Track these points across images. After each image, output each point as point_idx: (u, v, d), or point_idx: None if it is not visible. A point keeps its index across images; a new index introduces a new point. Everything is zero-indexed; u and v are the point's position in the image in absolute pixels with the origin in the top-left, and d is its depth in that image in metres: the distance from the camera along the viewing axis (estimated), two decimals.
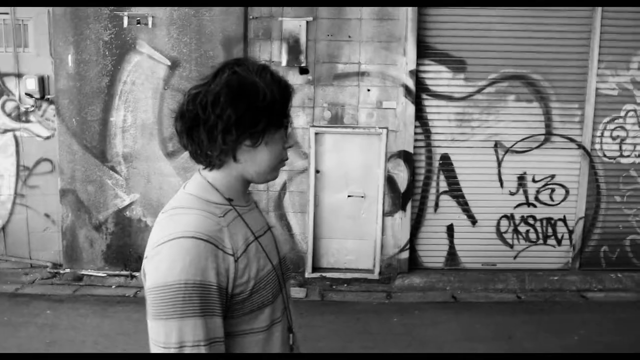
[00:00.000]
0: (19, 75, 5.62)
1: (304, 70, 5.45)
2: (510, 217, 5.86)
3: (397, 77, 5.48)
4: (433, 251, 5.88)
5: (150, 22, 5.40)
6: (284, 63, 5.37)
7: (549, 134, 5.73)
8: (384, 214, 5.67)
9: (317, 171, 5.64)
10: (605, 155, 5.78)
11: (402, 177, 5.63)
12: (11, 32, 5.58)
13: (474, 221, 5.84)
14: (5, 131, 5.75)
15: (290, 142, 1.24)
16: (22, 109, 5.70)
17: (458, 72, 5.61)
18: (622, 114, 5.72)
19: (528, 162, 5.76)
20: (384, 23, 5.42)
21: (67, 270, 5.76)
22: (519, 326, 4.64)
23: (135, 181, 5.65)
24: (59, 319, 4.65)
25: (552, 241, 5.91)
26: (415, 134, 5.62)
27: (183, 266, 1.02)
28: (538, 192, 5.82)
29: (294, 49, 5.37)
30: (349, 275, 5.73)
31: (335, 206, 5.73)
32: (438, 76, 5.61)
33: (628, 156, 5.79)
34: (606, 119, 5.72)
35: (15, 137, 5.76)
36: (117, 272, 5.73)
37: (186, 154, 1.18)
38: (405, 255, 5.74)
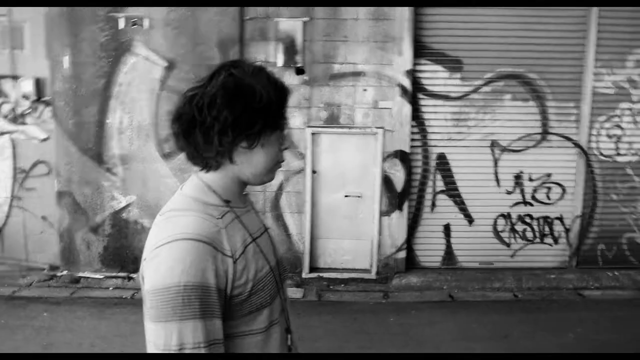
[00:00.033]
0: (15, 77, 5.62)
1: (300, 71, 5.44)
2: (507, 216, 5.87)
3: (393, 77, 5.48)
4: (430, 250, 5.89)
5: (146, 24, 5.40)
6: (280, 63, 5.37)
7: (545, 132, 5.74)
8: (381, 214, 5.67)
9: (313, 171, 5.64)
10: (601, 154, 5.79)
11: (398, 177, 5.63)
12: (7, 34, 5.57)
13: (470, 220, 5.85)
14: (2, 133, 5.74)
15: (286, 143, 1.24)
16: (19, 111, 5.69)
17: (454, 72, 5.62)
18: (618, 112, 5.73)
19: (524, 161, 5.77)
20: (379, 23, 5.42)
21: (65, 272, 5.75)
22: (515, 325, 4.65)
23: (131, 183, 5.64)
24: (56, 321, 4.64)
25: (549, 240, 5.92)
26: (412, 133, 5.63)
27: (182, 268, 1.02)
28: (535, 191, 5.83)
29: (290, 50, 5.37)
30: (346, 275, 5.74)
31: (332, 206, 5.73)
32: (434, 76, 5.62)
33: (624, 154, 5.80)
34: (602, 118, 5.73)
35: (12, 140, 5.75)
36: (114, 274, 5.73)
37: (182, 155, 1.18)
38: (402, 254, 5.74)
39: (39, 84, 5.59)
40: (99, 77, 5.49)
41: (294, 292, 5.37)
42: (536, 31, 5.56)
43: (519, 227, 5.89)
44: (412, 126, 5.62)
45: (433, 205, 5.82)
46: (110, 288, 5.55)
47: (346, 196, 5.70)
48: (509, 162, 5.76)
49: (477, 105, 5.67)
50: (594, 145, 5.77)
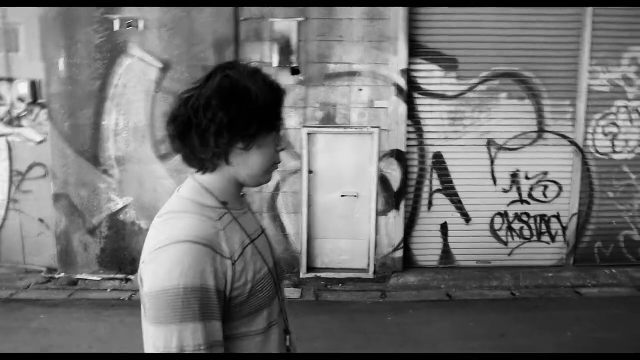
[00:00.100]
0: (10, 80, 5.62)
1: (295, 71, 5.45)
2: (504, 215, 5.87)
3: (389, 77, 5.48)
4: (427, 250, 5.89)
5: (141, 25, 5.40)
6: (275, 64, 5.37)
7: (541, 131, 5.74)
8: (378, 214, 5.67)
9: (310, 171, 5.65)
10: (597, 152, 5.79)
11: (395, 177, 5.64)
12: (2, 37, 5.57)
13: (467, 219, 5.85)
14: None
15: (282, 144, 1.24)
16: (14, 113, 5.69)
17: (450, 71, 5.62)
18: (614, 110, 5.74)
19: (521, 160, 5.77)
20: (375, 23, 5.42)
21: (62, 274, 5.75)
22: (513, 324, 4.65)
23: (128, 184, 5.64)
24: (53, 323, 4.64)
25: (546, 238, 5.93)
26: (408, 133, 5.63)
27: (182, 271, 1.02)
28: (531, 189, 5.83)
29: (285, 50, 5.37)
30: (343, 275, 5.74)
31: (329, 206, 5.73)
32: (430, 75, 5.62)
33: (620, 152, 5.81)
34: (598, 116, 5.74)
35: (8, 142, 5.75)
36: (112, 276, 5.73)
37: (179, 156, 1.18)
38: (399, 254, 5.74)
39: (34, 86, 5.59)
40: (95, 79, 5.49)
41: (291, 293, 5.37)
42: (531, 29, 5.56)
43: (516, 225, 5.89)
44: (408, 125, 5.62)
45: (430, 204, 5.83)
46: (108, 290, 5.55)
47: (343, 196, 5.70)
48: (505, 161, 5.76)
49: (473, 104, 5.67)
50: (590, 143, 5.77)
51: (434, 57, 5.59)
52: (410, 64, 5.51)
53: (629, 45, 5.63)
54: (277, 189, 5.63)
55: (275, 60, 5.38)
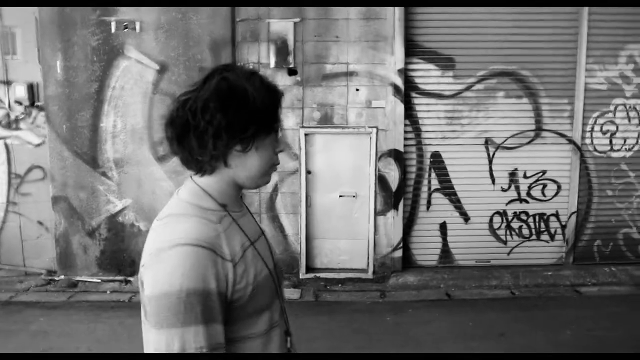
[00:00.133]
0: (7, 83, 5.62)
1: (292, 72, 5.45)
2: (502, 214, 5.86)
3: (386, 76, 5.48)
4: (426, 249, 5.89)
5: (137, 27, 5.40)
6: (272, 65, 5.37)
7: (539, 129, 5.74)
8: (376, 213, 5.67)
9: (308, 172, 5.65)
10: (595, 150, 5.79)
11: (393, 176, 5.63)
12: None
13: (466, 218, 5.85)
14: None
15: (281, 146, 1.24)
16: (12, 116, 5.70)
17: (447, 70, 5.61)
18: (612, 108, 5.73)
19: (519, 158, 5.76)
20: (371, 22, 5.42)
21: (62, 277, 5.76)
22: (512, 322, 4.64)
23: (126, 186, 5.65)
24: (53, 326, 4.64)
25: (545, 236, 5.92)
26: (405, 132, 5.62)
27: (183, 274, 1.02)
28: (530, 187, 5.83)
29: (281, 51, 5.37)
30: (342, 275, 5.74)
31: (327, 206, 5.73)
32: (427, 74, 5.62)
33: (618, 150, 5.80)
34: (596, 114, 5.73)
35: (6, 145, 5.76)
36: (111, 278, 5.73)
37: (176, 158, 1.18)
38: (398, 254, 5.74)
39: (32, 89, 5.60)
40: (92, 81, 5.49)
41: (291, 293, 5.37)
42: (528, 28, 5.56)
43: (515, 224, 5.88)
44: (406, 125, 5.62)
45: (428, 203, 5.82)
46: (108, 291, 5.55)
47: (341, 196, 5.70)
48: (503, 160, 5.76)
49: (471, 103, 5.67)
50: (588, 141, 5.76)
51: (430, 56, 5.59)
52: (407, 63, 5.51)
53: (626, 42, 5.62)
54: (275, 189, 5.64)
55: (272, 60, 5.38)
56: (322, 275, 5.74)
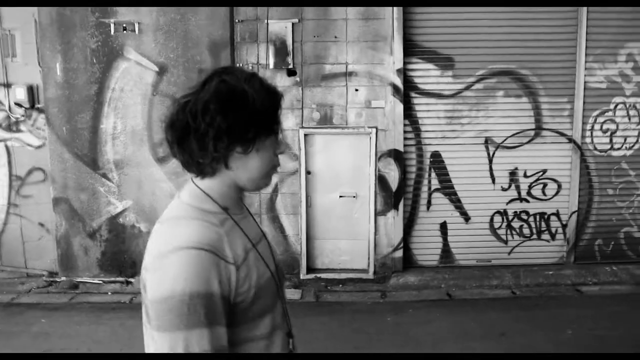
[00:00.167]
0: (7, 85, 5.64)
1: (291, 72, 5.45)
2: (503, 213, 5.85)
3: (385, 76, 5.48)
4: (427, 249, 5.88)
5: (136, 29, 5.41)
6: (271, 65, 5.37)
7: (539, 128, 5.73)
8: (377, 213, 5.67)
9: (307, 172, 5.65)
10: (596, 149, 5.77)
11: (393, 176, 5.63)
12: None
13: (467, 218, 5.84)
14: None
15: (281, 148, 1.23)
16: (13, 118, 5.72)
17: (446, 70, 5.61)
18: (612, 106, 5.72)
19: (519, 158, 5.76)
20: (370, 23, 5.42)
21: (63, 278, 5.77)
22: (513, 322, 4.63)
23: (127, 188, 5.65)
24: (54, 327, 4.65)
25: (546, 236, 5.91)
26: (405, 132, 5.62)
27: (186, 277, 1.02)
28: (530, 187, 5.82)
29: (280, 51, 5.38)
30: (343, 276, 5.74)
31: (328, 207, 5.73)
32: (426, 74, 5.62)
33: (619, 149, 5.79)
34: (596, 113, 5.72)
35: (7, 147, 5.78)
36: (112, 279, 5.74)
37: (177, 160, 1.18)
38: (399, 254, 5.74)
39: (32, 91, 5.62)
40: (92, 83, 5.51)
41: (291, 294, 5.37)
42: (527, 27, 5.55)
43: (516, 223, 5.87)
44: (405, 125, 5.62)
45: (429, 203, 5.82)
46: (109, 293, 5.56)
47: (341, 196, 5.70)
48: (503, 159, 5.75)
49: (470, 102, 5.66)
50: (588, 140, 5.75)
51: (429, 56, 5.59)
52: (406, 63, 5.50)
53: (625, 41, 5.61)
54: (275, 190, 5.64)
55: (271, 61, 5.38)
56: (323, 275, 5.74)
